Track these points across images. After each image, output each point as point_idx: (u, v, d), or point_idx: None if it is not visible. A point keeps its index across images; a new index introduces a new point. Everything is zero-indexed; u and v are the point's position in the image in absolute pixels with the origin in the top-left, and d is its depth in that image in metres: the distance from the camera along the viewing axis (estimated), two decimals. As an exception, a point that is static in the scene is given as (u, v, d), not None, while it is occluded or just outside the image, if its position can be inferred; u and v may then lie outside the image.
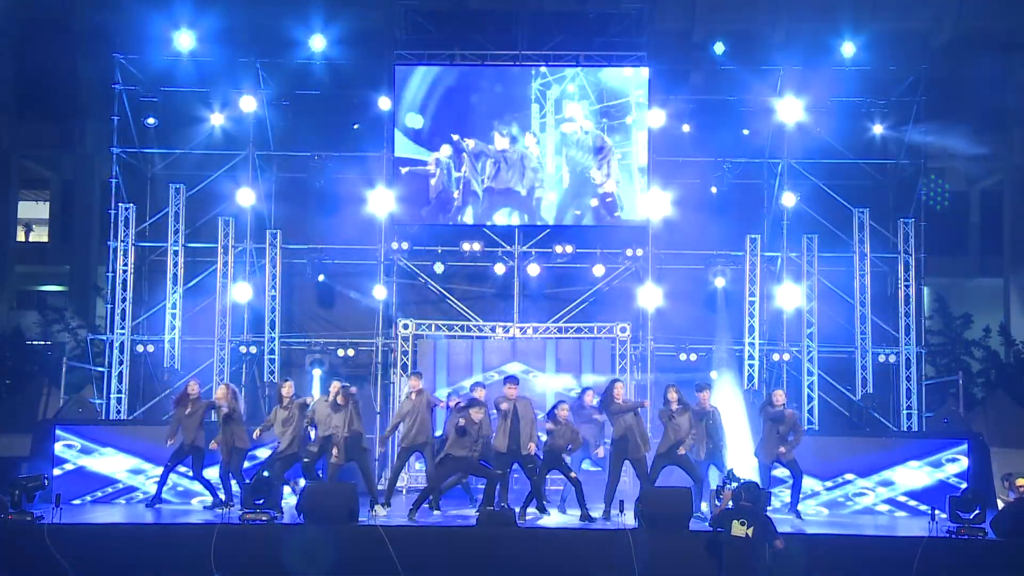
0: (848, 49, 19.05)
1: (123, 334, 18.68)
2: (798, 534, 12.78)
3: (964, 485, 14.66)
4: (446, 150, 18.57)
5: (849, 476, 15.44)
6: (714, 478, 13.96)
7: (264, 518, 12.69)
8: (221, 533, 12.21)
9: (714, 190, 18.99)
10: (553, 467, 13.98)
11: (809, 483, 14.93)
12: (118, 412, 18.35)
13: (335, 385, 14.49)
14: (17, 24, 25.82)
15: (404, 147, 18.64)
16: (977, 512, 12.56)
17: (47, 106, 26.29)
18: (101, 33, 23.03)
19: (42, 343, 25.03)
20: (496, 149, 18.53)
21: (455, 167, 18.57)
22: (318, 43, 18.77)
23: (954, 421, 17.32)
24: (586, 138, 18.54)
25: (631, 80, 18.68)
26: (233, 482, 14.42)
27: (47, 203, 29.38)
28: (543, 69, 18.76)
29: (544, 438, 14.30)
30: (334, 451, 14.01)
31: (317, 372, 17.94)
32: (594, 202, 18.54)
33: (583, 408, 14.76)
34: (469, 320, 18.81)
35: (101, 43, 22.21)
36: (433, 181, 18.57)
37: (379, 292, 18.72)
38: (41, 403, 18.59)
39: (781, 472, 14.59)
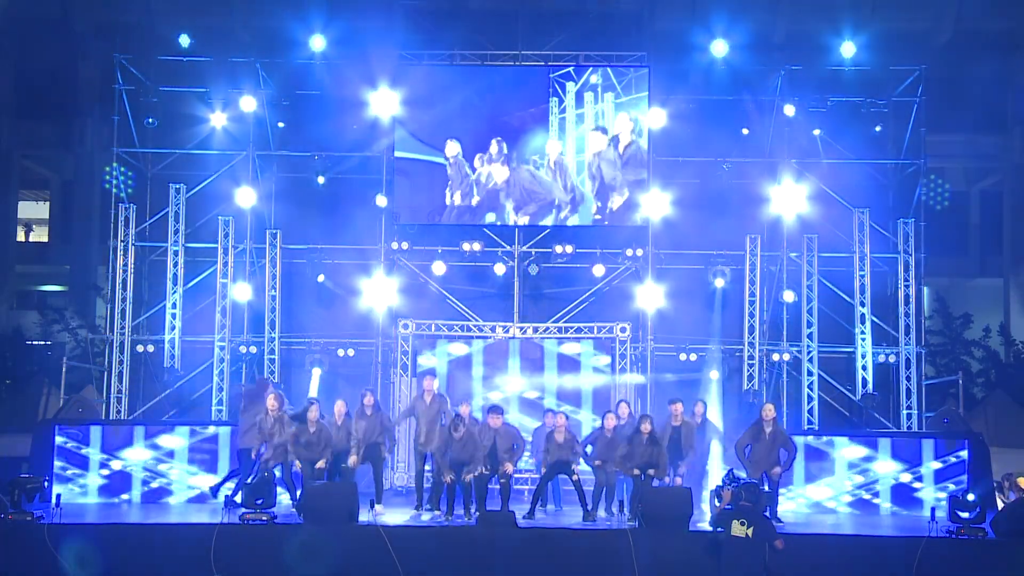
0: (848, 49, 19.04)
1: (123, 334, 18.69)
2: (798, 534, 12.76)
3: (964, 485, 14.67)
4: (453, 147, 18.55)
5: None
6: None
7: (264, 518, 12.69)
8: (221, 533, 12.22)
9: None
10: (559, 472, 14.43)
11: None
12: (118, 412, 18.36)
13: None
14: (17, 24, 25.81)
15: (406, 146, 18.64)
16: (977, 512, 12.57)
17: (47, 106, 26.29)
18: (101, 33, 23.07)
19: (42, 343, 25.05)
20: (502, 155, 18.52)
21: (466, 167, 18.57)
22: (318, 43, 18.74)
23: (954, 421, 17.29)
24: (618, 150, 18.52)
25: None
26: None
27: (47, 203, 29.41)
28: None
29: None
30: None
31: (317, 372, 17.94)
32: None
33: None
34: (469, 320, 18.80)
35: (101, 43, 22.25)
36: (443, 174, 18.61)
37: (379, 292, 18.70)
38: (41, 403, 18.63)
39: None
